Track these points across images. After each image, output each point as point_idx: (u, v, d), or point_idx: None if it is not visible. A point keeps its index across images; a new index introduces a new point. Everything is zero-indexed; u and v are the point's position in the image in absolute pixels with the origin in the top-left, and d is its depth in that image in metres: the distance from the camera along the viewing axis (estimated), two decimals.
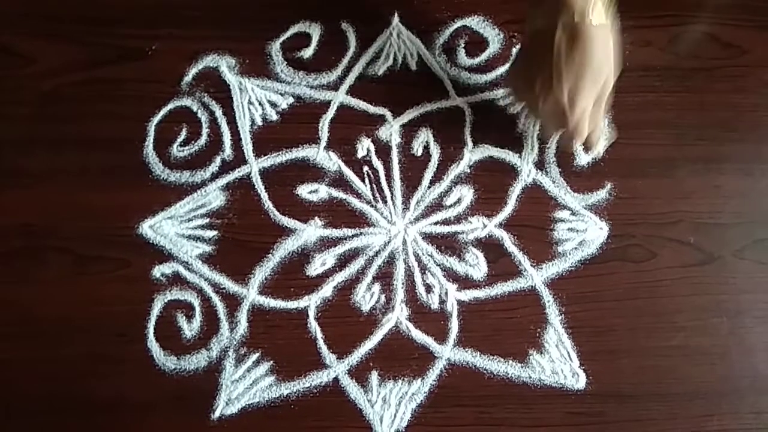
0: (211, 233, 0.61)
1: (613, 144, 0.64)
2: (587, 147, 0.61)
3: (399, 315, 0.59)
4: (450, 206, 0.62)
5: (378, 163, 0.63)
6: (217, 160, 0.63)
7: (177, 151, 0.63)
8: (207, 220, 0.62)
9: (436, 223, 0.62)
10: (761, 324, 0.60)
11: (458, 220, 0.62)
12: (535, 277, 0.60)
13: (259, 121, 0.64)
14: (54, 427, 0.58)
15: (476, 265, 0.61)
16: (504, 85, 0.64)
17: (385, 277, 0.61)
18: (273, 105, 0.65)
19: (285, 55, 0.66)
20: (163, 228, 0.61)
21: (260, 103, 0.65)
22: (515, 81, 0.60)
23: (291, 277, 0.60)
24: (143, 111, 0.64)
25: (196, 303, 0.60)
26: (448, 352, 0.59)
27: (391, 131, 0.64)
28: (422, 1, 0.67)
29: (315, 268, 0.60)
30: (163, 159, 0.63)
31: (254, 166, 0.63)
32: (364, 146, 0.63)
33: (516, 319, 0.59)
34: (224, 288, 0.60)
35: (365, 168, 0.63)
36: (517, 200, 0.62)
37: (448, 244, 0.61)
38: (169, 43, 0.65)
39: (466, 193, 0.62)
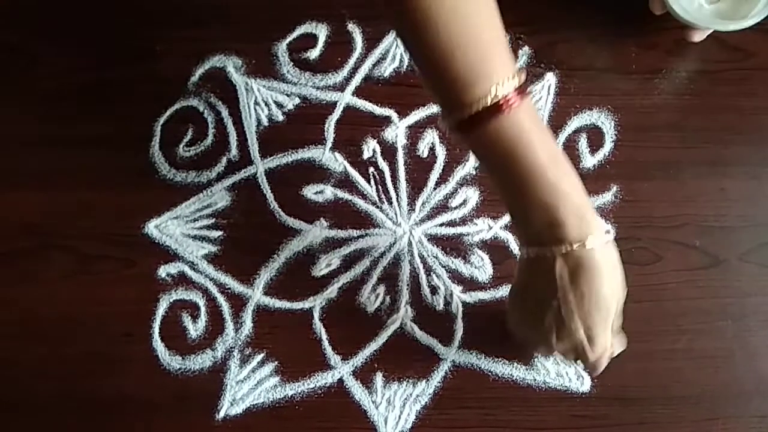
0: (216, 233, 0.62)
1: (619, 147, 0.64)
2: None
3: (404, 316, 0.59)
4: (455, 208, 0.62)
5: (384, 164, 0.63)
6: (223, 161, 0.63)
7: (183, 151, 0.63)
8: (212, 220, 0.62)
9: (441, 225, 0.62)
10: (766, 328, 0.60)
11: (464, 221, 0.62)
12: None
13: (265, 122, 0.64)
14: (58, 426, 0.58)
15: (481, 267, 0.61)
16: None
17: (390, 278, 0.61)
18: (279, 106, 0.65)
19: (291, 55, 0.66)
20: (169, 228, 0.61)
21: (266, 104, 0.65)
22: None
23: (296, 278, 0.60)
24: (149, 111, 0.64)
25: (201, 303, 0.60)
26: (452, 354, 0.59)
27: (397, 132, 0.64)
28: None
29: (320, 269, 0.61)
30: (169, 159, 0.63)
31: (260, 166, 0.63)
32: (370, 147, 0.64)
33: None
34: (229, 288, 0.60)
35: (371, 169, 0.63)
36: None
37: (454, 245, 0.61)
38: (175, 44, 0.66)
39: (472, 195, 0.62)
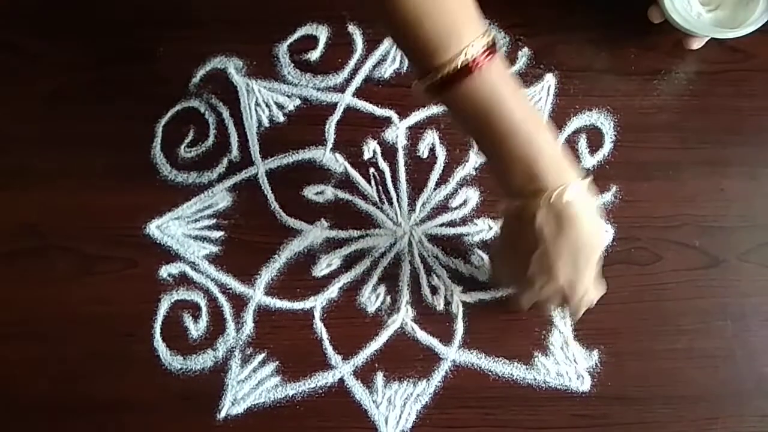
0: (217, 234, 0.62)
1: (618, 147, 0.64)
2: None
3: (404, 316, 0.59)
4: (456, 208, 0.63)
5: (384, 165, 0.63)
6: (224, 162, 0.63)
7: (184, 152, 0.64)
8: (214, 220, 0.62)
9: (441, 225, 0.62)
10: (765, 327, 0.60)
11: (464, 222, 0.62)
12: None
13: (266, 123, 0.65)
14: (58, 426, 0.58)
15: (482, 267, 0.61)
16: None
17: (390, 278, 0.61)
18: (280, 107, 0.65)
19: (292, 57, 0.66)
20: (170, 228, 0.62)
21: (267, 105, 0.65)
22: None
23: (297, 278, 0.60)
24: (151, 112, 0.64)
25: (202, 303, 0.60)
26: (453, 354, 0.59)
27: (397, 133, 0.64)
28: None
29: (321, 269, 0.61)
30: (170, 160, 0.63)
31: (261, 167, 0.63)
32: (371, 148, 0.64)
33: (521, 321, 0.59)
34: (230, 288, 0.60)
35: (371, 170, 0.63)
36: None
37: (454, 246, 0.62)
38: (177, 45, 0.66)
39: (472, 195, 0.63)
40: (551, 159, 0.46)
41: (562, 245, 0.47)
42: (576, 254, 0.48)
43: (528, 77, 0.66)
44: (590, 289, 0.52)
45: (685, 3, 0.62)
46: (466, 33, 0.44)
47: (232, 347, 0.59)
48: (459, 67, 0.43)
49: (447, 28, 0.44)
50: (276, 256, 0.61)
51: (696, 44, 0.64)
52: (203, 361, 0.58)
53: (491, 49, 0.44)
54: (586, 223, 0.47)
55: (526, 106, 0.46)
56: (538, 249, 0.48)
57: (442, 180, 0.63)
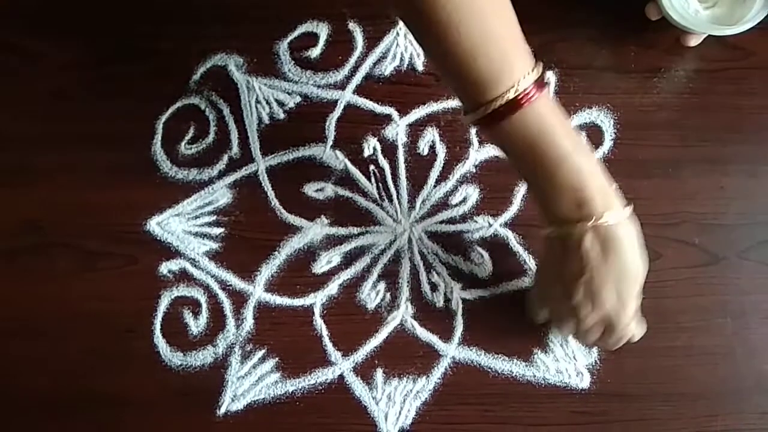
0: (217, 230, 0.62)
1: (618, 145, 0.64)
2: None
3: (404, 313, 0.60)
4: (455, 205, 0.63)
5: (384, 162, 0.64)
6: (225, 158, 0.64)
7: (185, 148, 0.64)
8: (214, 217, 0.62)
9: (441, 222, 0.62)
10: (765, 325, 0.60)
11: (464, 219, 0.62)
12: None
13: (266, 120, 0.65)
14: (58, 422, 0.58)
15: (481, 264, 0.61)
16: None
17: (390, 275, 0.61)
18: (280, 104, 0.65)
19: (292, 54, 0.66)
20: (171, 225, 0.62)
21: (267, 102, 0.65)
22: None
23: (297, 275, 0.61)
24: (151, 109, 0.64)
25: (202, 299, 0.60)
26: (452, 351, 0.59)
27: (398, 130, 0.64)
28: None
29: (321, 266, 0.61)
30: (171, 156, 0.63)
31: (261, 164, 0.63)
32: (371, 145, 0.64)
33: (521, 318, 0.59)
34: (231, 285, 0.60)
35: (371, 167, 0.64)
36: (522, 200, 0.62)
37: (454, 243, 0.62)
38: (177, 42, 0.66)
39: (472, 193, 0.63)
40: (598, 185, 0.46)
41: (610, 268, 0.47)
42: (621, 280, 0.48)
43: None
44: (633, 322, 0.51)
45: (682, 0, 0.62)
46: (518, 66, 0.44)
47: (232, 344, 0.59)
48: (510, 100, 0.44)
49: (499, 63, 0.44)
50: (276, 252, 0.61)
51: (693, 41, 0.64)
52: (203, 357, 0.59)
53: (540, 81, 0.45)
54: (631, 249, 0.47)
55: (573, 134, 0.46)
56: (583, 275, 0.48)
57: (442, 177, 0.63)
